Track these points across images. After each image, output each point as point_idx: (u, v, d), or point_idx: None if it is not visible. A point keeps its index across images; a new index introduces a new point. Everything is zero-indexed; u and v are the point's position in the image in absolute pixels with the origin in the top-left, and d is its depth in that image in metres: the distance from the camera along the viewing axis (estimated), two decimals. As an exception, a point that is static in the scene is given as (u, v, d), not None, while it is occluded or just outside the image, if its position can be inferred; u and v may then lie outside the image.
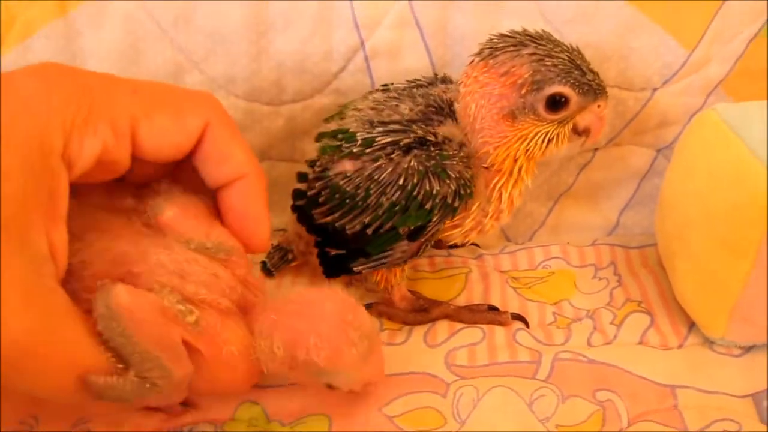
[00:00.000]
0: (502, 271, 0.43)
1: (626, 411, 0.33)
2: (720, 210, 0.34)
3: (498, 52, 0.33)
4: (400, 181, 0.33)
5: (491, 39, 0.34)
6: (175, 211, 0.28)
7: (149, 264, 0.26)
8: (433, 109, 0.35)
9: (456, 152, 0.34)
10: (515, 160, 0.34)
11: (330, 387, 0.30)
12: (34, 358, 0.21)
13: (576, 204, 0.47)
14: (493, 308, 0.39)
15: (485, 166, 0.34)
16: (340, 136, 0.36)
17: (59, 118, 0.22)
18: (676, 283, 0.39)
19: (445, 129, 0.34)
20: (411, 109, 0.35)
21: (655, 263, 0.42)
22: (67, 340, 0.22)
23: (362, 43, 0.41)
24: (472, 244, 0.44)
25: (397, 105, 0.35)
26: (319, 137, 0.37)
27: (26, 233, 0.21)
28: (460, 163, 0.34)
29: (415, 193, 0.33)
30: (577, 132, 0.35)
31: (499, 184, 0.35)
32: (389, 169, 0.33)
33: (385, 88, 0.37)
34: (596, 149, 0.45)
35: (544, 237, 0.47)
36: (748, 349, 0.37)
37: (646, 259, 0.43)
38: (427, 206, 0.33)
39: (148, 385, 0.25)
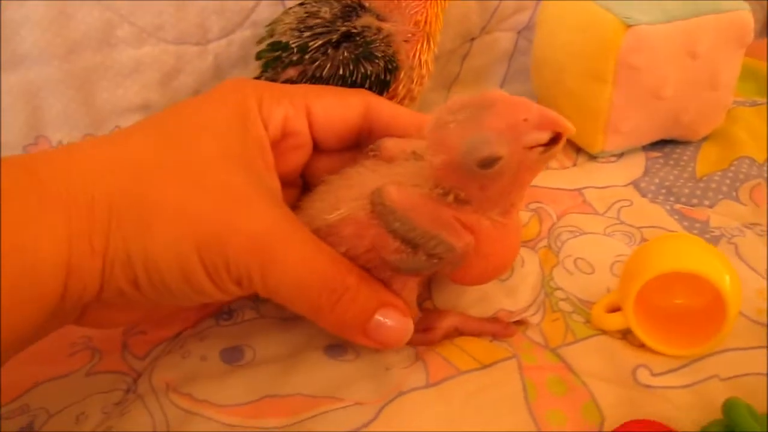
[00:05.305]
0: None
1: (553, 211, 0.43)
2: (583, 51, 0.44)
3: None
4: (339, 72, 0.39)
5: None
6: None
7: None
8: (348, 8, 0.41)
9: (376, 36, 0.40)
10: (436, 18, 0.41)
11: None
12: (272, 252, 0.27)
13: (465, 88, 0.57)
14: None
15: (405, 40, 0.41)
16: (277, 48, 0.41)
17: (255, 95, 0.31)
18: (560, 118, 0.50)
19: (362, 20, 0.40)
20: (330, 12, 0.41)
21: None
22: (298, 240, 0.28)
23: (271, -24, 0.47)
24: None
25: (317, 11, 0.41)
26: (259, 55, 0.42)
27: (261, 172, 0.30)
28: (383, 44, 0.40)
29: (353, 78, 0.39)
30: None
31: (418, 53, 0.42)
32: (327, 65, 0.39)
33: (302, 3, 0.43)
34: (473, 39, 0.55)
35: (446, 121, 0.56)
36: (620, 155, 0.49)
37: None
38: (366, 86, 0.40)
39: (435, 260, 0.28)
